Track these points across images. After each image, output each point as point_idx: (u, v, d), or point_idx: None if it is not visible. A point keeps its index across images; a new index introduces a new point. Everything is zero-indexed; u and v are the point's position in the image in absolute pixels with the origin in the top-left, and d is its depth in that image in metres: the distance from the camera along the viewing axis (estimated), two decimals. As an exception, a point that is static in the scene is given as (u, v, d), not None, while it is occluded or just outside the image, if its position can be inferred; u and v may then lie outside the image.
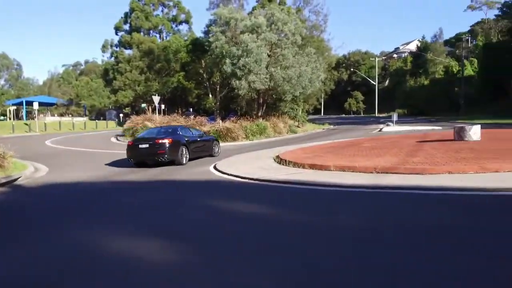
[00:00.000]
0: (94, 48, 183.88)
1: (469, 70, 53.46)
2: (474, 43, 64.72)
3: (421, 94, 53.97)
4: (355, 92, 76.25)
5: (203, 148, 13.98)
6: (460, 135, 12.33)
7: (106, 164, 13.11)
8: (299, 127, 30.59)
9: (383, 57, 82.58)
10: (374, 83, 63.97)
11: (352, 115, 70.58)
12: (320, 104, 73.76)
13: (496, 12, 58.87)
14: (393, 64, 75.69)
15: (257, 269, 3.37)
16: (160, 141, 11.94)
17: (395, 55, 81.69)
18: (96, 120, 46.96)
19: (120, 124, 41.27)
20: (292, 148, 14.26)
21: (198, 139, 13.89)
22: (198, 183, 9.21)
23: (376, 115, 59.24)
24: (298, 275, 3.17)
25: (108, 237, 4.68)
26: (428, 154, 9.51)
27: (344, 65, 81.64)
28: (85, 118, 52.67)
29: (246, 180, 8.61)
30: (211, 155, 14.14)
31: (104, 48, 58.16)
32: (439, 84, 53.98)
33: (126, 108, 55.35)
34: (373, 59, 70.98)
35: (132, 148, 12.19)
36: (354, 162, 8.99)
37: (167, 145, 11.83)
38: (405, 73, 65.52)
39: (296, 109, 31.74)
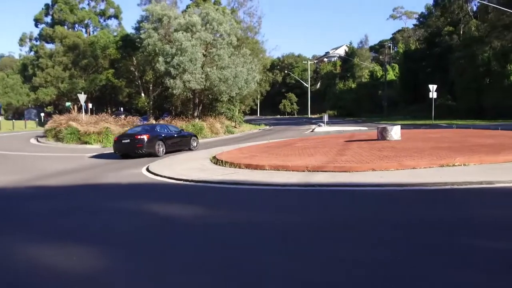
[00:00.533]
0: (10, 41, 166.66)
1: (391, 75, 58.10)
2: (395, 50, 70.54)
3: (349, 96, 57.39)
4: (289, 94, 78.70)
5: (181, 142, 16.06)
6: (383, 135, 13.29)
7: (25, 168, 11.93)
8: (236, 127, 30.71)
9: (315, 61, 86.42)
10: (307, 85, 66.58)
11: (286, 116, 72.70)
12: (256, 105, 74.95)
13: (414, 21, 64.98)
14: (324, 68, 79.51)
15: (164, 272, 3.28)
16: (139, 136, 14.13)
17: (325, 59, 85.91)
18: (13, 120, 42.57)
19: (41, 124, 37.91)
20: (229, 149, 14.25)
21: (175, 135, 16.02)
22: (125, 186, 8.73)
23: (309, 116, 61.73)
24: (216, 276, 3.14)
25: (10, 245, 4.23)
26: (355, 153, 10.09)
27: (278, 67, 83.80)
28: (1, 118, 47.51)
29: (181, 182, 8.39)
30: (190, 149, 16.22)
31: (21, 41, 53.17)
32: (365, 88, 57.89)
33: (48, 107, 51.04)
34: (306, 62, 73.95)
35: (117, 142, 14.51)
36: (288, 161, 9.24)
37: (145, 140, 13.98)
38: (335, 76, 69.15)
39: (233, 110, 31.83)
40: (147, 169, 10.57)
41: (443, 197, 5.58)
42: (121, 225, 5.15)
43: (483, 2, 35.10)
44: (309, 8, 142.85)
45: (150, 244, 4.20)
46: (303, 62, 76.86)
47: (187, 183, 8.24)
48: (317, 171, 8.01)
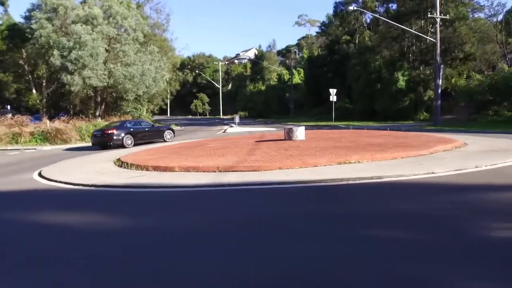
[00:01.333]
0: None
1: (297, 79, 61.55)
2: (300, 55, 74.95)
3: (259, 98, 59.24)
4: (201, 94, 78.16)
5: (152, 136, 18.69)
6: (289, 135, 13.97)
7: None
8: (143, 128, 29.34)
9: (226, 62, 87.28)
10: (218, 86, 66.89)
11: (198, 117, 72.07)
12: (166, 104, 72.79)
13: (317, 29, 69.88)
14: (235, 69, 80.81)
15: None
16: (108, 131, 16.97)
17: (236, 61, 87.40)
18: None
19: None
20: (135, 150, 13.52)
21: (146, 129, 18.78)
22: (10, 194, 7.70)
23: (221, 117, 62.10)
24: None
25: None
26: (264, 152, 10.41)
27: (189, 66, 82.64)
28: None
29: (79, 187, 7.67)
30: (165, 141, 18.76)
31: None
32: (274, 90, 60.36)
33: None
34: (217, 62, 74.25)
35: (92, 136, 17.63)
36: (199, 162, 9.11)
37: (113, 134, 16.78)
38: (246, 78, 70.79)
39: (140, 109, 30.41)
40: (40, 174, 9.47)
41: (340, 192, 6.06)
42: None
43: (375, 15, 39.38)
44: (220, 10, 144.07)
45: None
46: (214, 62, 77.03)
47: (86, 188, 7.57)
48: (228, 171, 8.05)
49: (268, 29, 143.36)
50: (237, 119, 32.34)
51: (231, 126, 31.31)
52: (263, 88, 61.95)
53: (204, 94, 77.72)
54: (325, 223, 4.40)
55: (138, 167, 9.31)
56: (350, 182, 6.54)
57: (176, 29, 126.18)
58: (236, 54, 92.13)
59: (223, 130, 28.59)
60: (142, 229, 4.68)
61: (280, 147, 11.62)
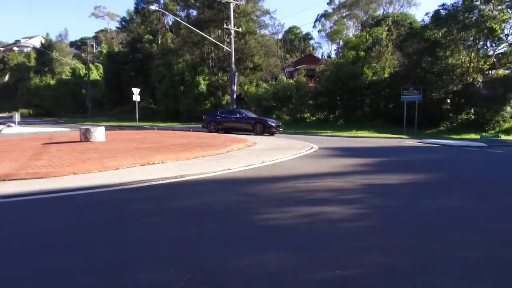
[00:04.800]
0: None
1: (95, 75, 56.60)
2: (98, 49, 69.12)
3: (47, 94, 51.42)
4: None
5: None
6: (86, 136, 12.63)
7: None
8: None
9: (2, 48, 71.71)
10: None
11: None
12: None
13: (117, 24, 66.09)
14: (14, 58, 67.13)
15: None
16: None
17: (15, 48, 72.99)
18: None
19: None
20: None
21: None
22: None
23: (-5, 114, 50.58)
24: None
25: None
26: (53, 156, 9.02)
27: None
28: None
29: None
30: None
31: None
32: (67, 85, 53.64)
33: None
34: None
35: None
36: (-44, 171, 7.05)
37: None
38: (29, 69, 60.01)
39: None
40: None
41: (143, 193, 5.86)
42: None
43: (176, 18, 40.34)
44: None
45: None
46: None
47: None
48: (4, 180, 6.56)
49: (59, 15, 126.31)
50: (17, 118, 26.99)
51: (8, 126, 25.87)
52: (52, 82, 54.01)
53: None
54: (116, 229, 4.13)
55: None
56: (153, 183, 6.42)
57: None
58: (16, 41, 77.00)
59: (-3, 131, 23.30)
60: None
61: (75, 149, 10.35)
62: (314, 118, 36.41)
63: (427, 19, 33.57)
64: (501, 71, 31.15)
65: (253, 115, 23.14)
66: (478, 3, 29.79)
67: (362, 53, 34.18)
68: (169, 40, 43.25)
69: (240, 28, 34.99)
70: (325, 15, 62.31)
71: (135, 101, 31.03)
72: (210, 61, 42.41)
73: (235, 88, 33.52)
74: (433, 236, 3.82)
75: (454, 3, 30.60)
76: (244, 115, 21.71)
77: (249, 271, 2.96)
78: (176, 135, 16.83)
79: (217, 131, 21.03)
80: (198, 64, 40.44)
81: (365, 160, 9.95)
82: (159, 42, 46.35)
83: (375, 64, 33.70)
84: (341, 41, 53.56)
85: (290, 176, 7.19)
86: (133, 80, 44.34)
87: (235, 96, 33.32)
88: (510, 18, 28.83)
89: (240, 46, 38.59)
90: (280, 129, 21.48)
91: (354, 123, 30.71)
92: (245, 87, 40.05)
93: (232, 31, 31.97)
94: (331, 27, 62.06)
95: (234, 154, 10.04)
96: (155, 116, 39.50)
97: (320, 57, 59.12)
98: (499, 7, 29.39)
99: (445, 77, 29.26)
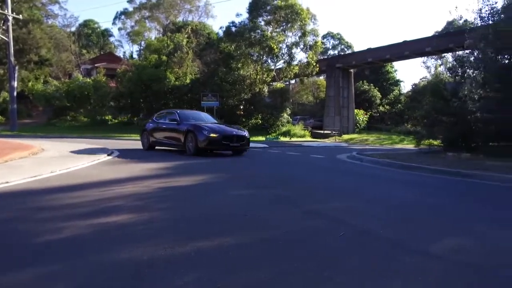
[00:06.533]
0: None
1: None
2: None
3: None
4: None
5: None
6: None
7: None
8: None
9: None
10: None
11: None
12: None
13: None
14: None
15: None
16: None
17: None
18: None
19: None
20: None
21: None
22: None
23: None
24: None
25: None
26: None
27: None
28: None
29: None
30: None
31: None
32: None
33: None
34: None
35: None
36: None
37: None
38: None
39: None
40: None
41: None
42: None
43: None
44: None
45: None
46: None
47: None
48: None
49: None
50: None
51: None
52: None
53: None
54: None
55: None
56: None
57: None
58: None
59: None
60: None
61: None
62: (116, 121, 34.73)
63: (221, 33, 37.35)
64: (279, 84, 37.83)
65: (211, 119, 14.95)
66: (262, 23, 35.22)
67: (164, 58, 34.86)
68: None
69: (20, 15, 29.79)
70: (126, 13, 60.27)
71: None
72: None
73: (15, 84, 28.45)
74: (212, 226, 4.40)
75: (242, 21, 35.23)
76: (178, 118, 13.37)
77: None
78: None
79: (149, 148, 14.38)
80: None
81: (164, 164, 10.35)
82: None
83: (177, 70, 34.98)
84: (143, 42, 53.02)
85: (83, 184, 6.73)
86: None
87: (15, 93, 28.27)
88: (284, 40, 35.35)
89: (22, 35, 32.93)
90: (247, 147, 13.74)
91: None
92: (30, 83, 34.47)
93: (10, 18, 26.99)
94: (132, 27, 60.52)
95: (16, 164, 8.60)
96: None
97: (122, 57, 56.86)
98: (277, 29, 35.61)
99: (237, 86, 33.28)
